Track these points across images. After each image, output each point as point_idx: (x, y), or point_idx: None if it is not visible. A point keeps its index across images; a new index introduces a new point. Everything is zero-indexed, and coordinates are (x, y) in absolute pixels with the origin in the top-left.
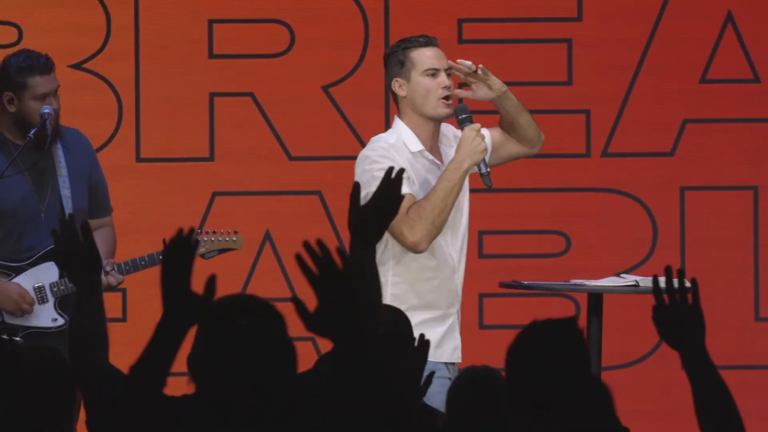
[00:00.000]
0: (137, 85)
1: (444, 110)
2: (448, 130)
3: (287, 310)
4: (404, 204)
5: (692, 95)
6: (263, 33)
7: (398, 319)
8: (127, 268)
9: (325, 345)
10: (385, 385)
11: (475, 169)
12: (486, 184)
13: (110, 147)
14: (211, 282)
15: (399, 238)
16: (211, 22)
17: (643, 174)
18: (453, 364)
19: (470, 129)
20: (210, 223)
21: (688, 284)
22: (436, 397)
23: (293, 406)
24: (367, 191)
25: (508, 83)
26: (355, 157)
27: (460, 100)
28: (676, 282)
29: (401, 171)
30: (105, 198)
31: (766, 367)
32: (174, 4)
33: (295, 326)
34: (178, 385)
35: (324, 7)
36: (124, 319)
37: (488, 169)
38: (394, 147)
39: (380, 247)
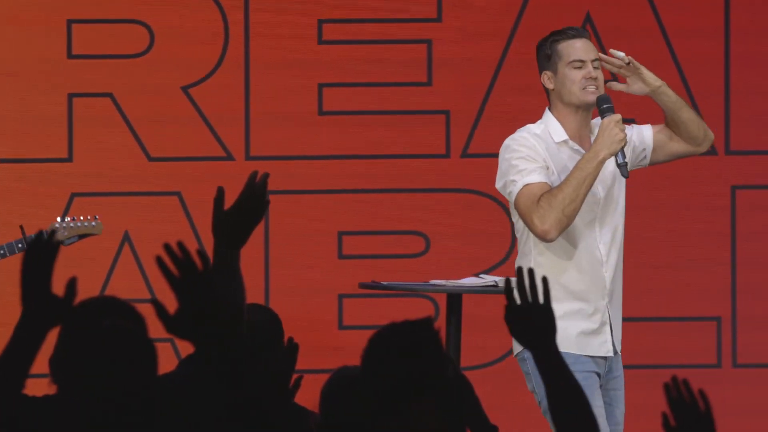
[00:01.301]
0: None
1: (590, 96)
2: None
3: (147, 312)
4: (536, 192)
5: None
6: (122, 33)
7: (266, 321)
8: None
9: (186, 347)
10: (249, 386)
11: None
12: (622, 174)
13: None
14: (72, 283)
15: (530, 227)
16: (69, 22)
17: None
18: (604, 357)
19: (609, 119)
20: None
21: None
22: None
23: (154, 408)
24: (505, 180)
25: (367, 84)
26: (214, 158)
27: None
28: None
29: (265, 176)
30: None
31: (633, 367)
32: (32, 4)
33: (155, 328)
34: (40, 387)
35: (184, 7)
36: None
37: (626, 160)
38: (538, 136)
39: (522, 239)
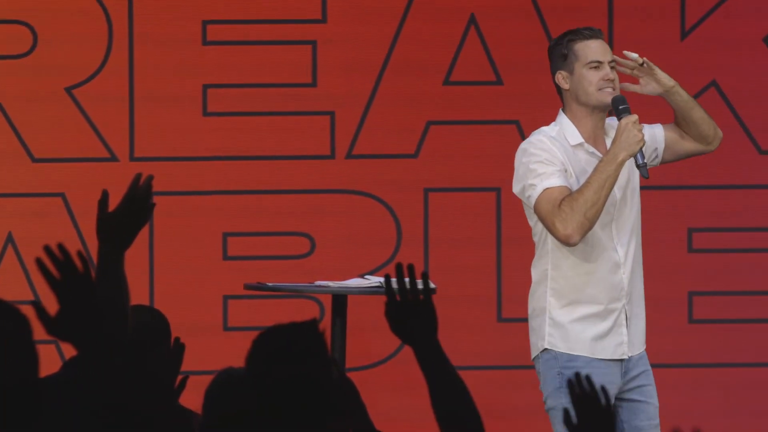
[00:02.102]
0: None
1: (606, 97)
2: (613, 125)
3: (31, 313)
4: (557, 196)
5: (436, 97)
6: (5, 34)
7: (151, 321)
8: None
9: (71, 349)
10: (133, 387)
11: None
12: (643, 175)
13: None
14: None
15: (551, 231)
16: None
17: (388, 175)
18: (619, 360)
19: (627, 120)
20: None
21: (419, 281)
22: None
23: (37, 409)
24: (523, 184)
25: (252, 85)
26: (99, 159)
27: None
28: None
29: (149, 178)
30: None
31: (509, 368)
32: None
33: (39, 329)
34: None
35: (67, 7)
36: None
37: (645, 161)
38: (554, 139)
39: (539, 242)
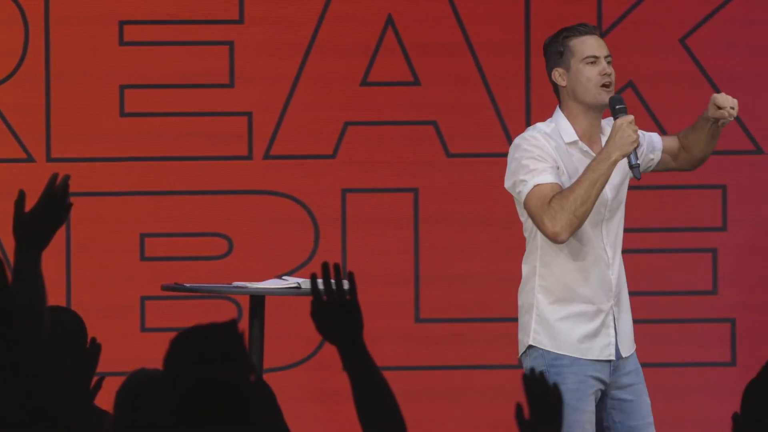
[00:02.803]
0: None
1: (605, 96)
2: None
3: None
4: (548, 193)
5: (354, 98)
6: None
7: (68, 322)
8: None
9: None
10: (49, 387)
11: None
12: (635, 176)
13: None
14: None
15: (540, 228)
16: None
17: (305, 176)
18: (608, 361)
19: (622, 120)
20: None
21: (345, 281)
22: (570, 393)
23: None
24: (514, 179)
25: (169, 86)
26: (15, 160)
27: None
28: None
29: (65, 178)
30: None
31: (427, 368)
32: None
33: None
34: None
35: None
36: None
37: (638, 161)
38: (548, 136)
39: (530, 238)
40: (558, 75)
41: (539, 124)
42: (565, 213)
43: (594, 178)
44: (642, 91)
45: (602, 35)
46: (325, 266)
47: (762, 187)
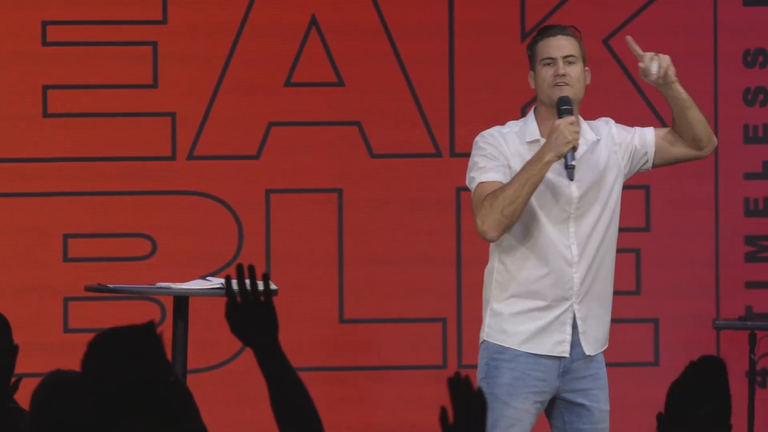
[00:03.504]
0: None
1: (556, 93)
2: (599, 123)
3: None
4: (486, 191)
5: (277, 98)
6: None
7: None
8: None
9: None
10: None
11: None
12: (568, 177)
13: None
14: None
15: (475, 225)
16: None
17: (229, 177)
18: (558, 358)
19: (561, 120)
20: None
21: (260, 282)
22: (503, 388)
23: None
24: (468, 176)
25: (93, 86)
26: None
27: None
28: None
29: None
30: None
31: (351, 369)
32: None
33: None
34: None
35: None
36: None
37: (574, 163)
38: (512, 133)
39: None
40: (530, 78)
41: (510, 122)
42: (494, 212)
43: (525, 177)
44: None
45: (525, 36)
46: (239, 268)
47: (684, 187)
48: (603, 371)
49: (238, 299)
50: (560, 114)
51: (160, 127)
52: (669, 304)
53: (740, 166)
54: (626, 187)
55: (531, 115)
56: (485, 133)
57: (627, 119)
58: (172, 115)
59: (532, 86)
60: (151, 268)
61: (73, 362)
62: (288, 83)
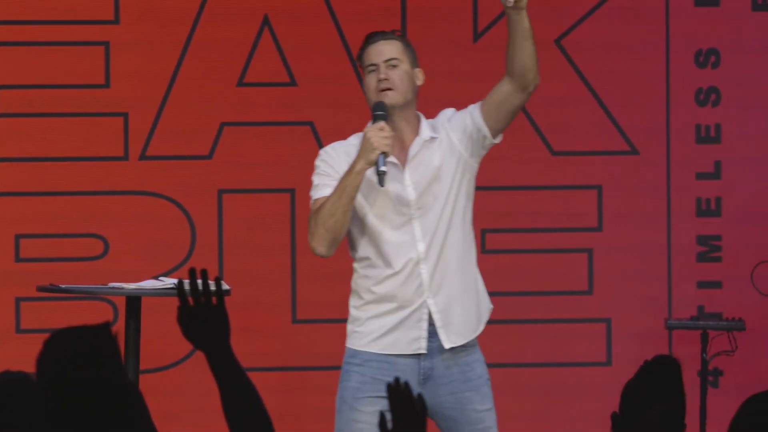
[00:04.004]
0: None
1: (381, 99)
2: (439, 120)
3: None
4: (315, 208)
5: (230, 99)
6: None
7: None
8: None
9: None
10: None
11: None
12: (379, 183)
13: None
14: None
15: None
16: None
17: (182, 177)
18: (416, 356)
19: (370, 127)
20: None
21: (213, 285)
22: (350, 392)
23: None
24: (313, 183)
25: (44, 86)
26: None
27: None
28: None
29: None
30: None
31: (304, 369)
32: None
33: None
34: None
35: None
36: None
37: (384, 169)
38: (344, 148)
39: (349, 237)
40: (363, 87)
41: (353, 135)
42: (318, 228)
43: (340, 189)
44: None
45: (477, 36)
46: (191, 271)
47: (636, 187)
48: (477, 371)
49: (191, 302)
50: (374, 119)
51: (112, 127)
52: (621, 303)
53: (692, 166)
54: (579, 187)
55: (369, 124)
56: (321, 150)
57: (579, 118)
58: (125, 114)
59: (364, 94)
60: (104, 268)
61: (24, 362)
62: (240, 83)
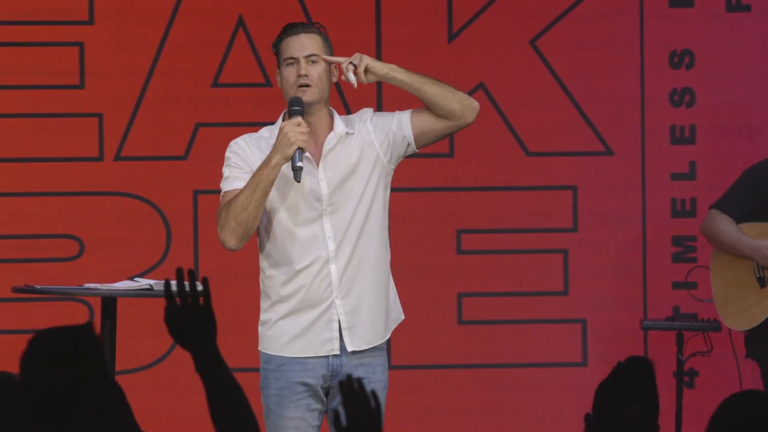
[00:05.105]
0: None
1: (299, 95)
2: (356, 117)
3: None
4: (225, 201)
5: (205, 99)
6: None
7: None
8: None
9: None
10: None
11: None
12: (295, 179)
13: None
14: None
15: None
16: None
17: (157, 177)
18: (325, 357)
19: (286, 122)
20: None
21: (199, 285)
22: (272, 399)
23: None
24: (224, 176)
25: (18, 87)
26: None
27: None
28: (187, 284)
29: None
30: None
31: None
32: None
33: None
34: None
35: None
36: None
37: (301, 164)
38: (255, 141)
39: (258, 237)
40: (277, 77)
41: (264, 128)
42: (229, 221)
43: (254, 183)
44: (492, 93)
45: (452, 37)
46: (179, 271)
47: (611, 188)
48: (378, 376)
49: (178, 302)
50: (290, 114)
51: (87, 128)
52: (597, 304)
53: (667, 167)
54: (554, 187)
55: (281, 117)
56: (232, 143)
57: (554, 119)
58: (99, 115)
59: (279, 86)
60: (79, 269)
61: (1, 363)
62: (215, 84)
